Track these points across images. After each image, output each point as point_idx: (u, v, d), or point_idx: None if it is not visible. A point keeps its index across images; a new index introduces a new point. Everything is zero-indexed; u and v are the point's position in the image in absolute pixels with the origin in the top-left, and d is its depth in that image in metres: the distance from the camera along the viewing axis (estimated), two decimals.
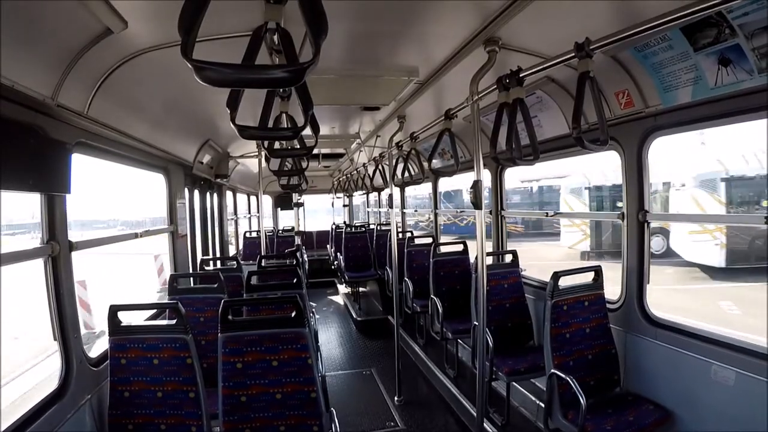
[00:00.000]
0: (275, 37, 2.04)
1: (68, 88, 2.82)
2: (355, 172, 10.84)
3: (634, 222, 3.87)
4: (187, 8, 1.29)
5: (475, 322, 4.75)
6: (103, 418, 3.22)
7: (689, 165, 14.14)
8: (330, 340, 8.91)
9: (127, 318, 3.22)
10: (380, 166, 7.65)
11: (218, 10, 2.55)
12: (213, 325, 3.74)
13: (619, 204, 4.17)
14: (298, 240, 9.00)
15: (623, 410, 3.58)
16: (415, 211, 14.21)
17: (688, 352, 3.38)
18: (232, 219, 10.34)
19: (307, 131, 2.64)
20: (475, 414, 3.91)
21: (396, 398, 5.89)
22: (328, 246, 14.08)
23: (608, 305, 4.08)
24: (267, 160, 5.72)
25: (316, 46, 1.31)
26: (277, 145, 4.25)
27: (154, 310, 4.90)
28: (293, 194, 12.58)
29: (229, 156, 7.76)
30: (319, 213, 19.02)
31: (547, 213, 5.52)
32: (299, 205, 9.82)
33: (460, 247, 6.82)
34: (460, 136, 6.02)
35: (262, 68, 1.47)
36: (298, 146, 3.56)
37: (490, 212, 6.08)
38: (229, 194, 9.57)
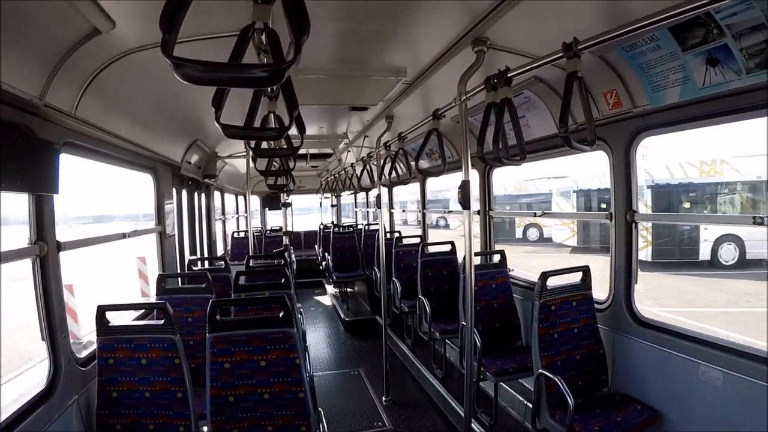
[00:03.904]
0: (263, 37, 2.02)
1: (56, 88, 2.78)
2: (343, 172, 10.82)
3: (621, 222, 3.88)
4: (169, 5, 1.27)
5: (463, 323, 4.76)
6: (91, 418, 3.22)
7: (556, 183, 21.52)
8: (318, 340, 8.89)
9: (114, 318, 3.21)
10: (368, 167, 7.63)
11: (207, 10, 2.54)
12: (201, 325, 3.73)
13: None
14: (286, 240, 8.97)
15: (611, 410, 3.59)
16: (403, 210, 14.23)
17: (676, 353, 3.40)
18: (220, 219, 10.27)
19: (294, 131, 2.62)
20: (462, 414, 3.91)
21: (384, 398, 5.88)
22: (316, 246, 14.06)
23: (596, 305, 4.09)
24: (254, 160, 5.67)
25: (297, 46, 1.30)
26: (264, 144, 4.22)
27: (142, 310, 4.86)
28: (281, 194, 12.59)
29: (217, 156, 7.70)
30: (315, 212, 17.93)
31: (535, 213, 5.53)
32: (287, 205, 9.79)
33: (448, 248, 6.83)
34: (449, 137, 6.01)
35: (242, 67, 1.45)
36: (285, 146, 3.54)
37: (478, 212, 6.09)
38: (217, 194, 9.50)
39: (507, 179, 23.77)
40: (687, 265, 14.80)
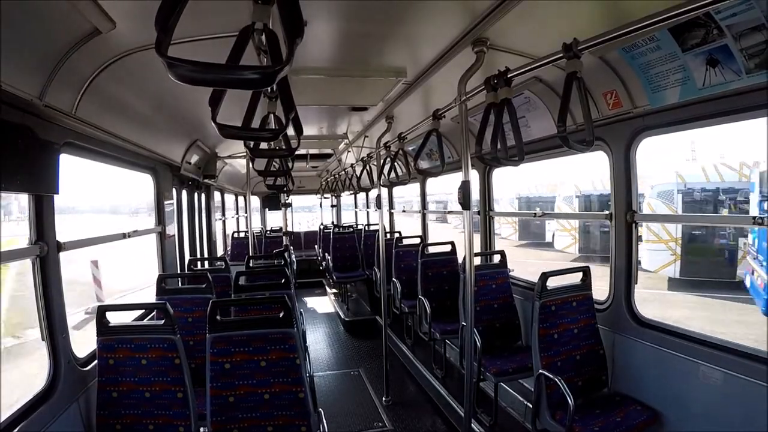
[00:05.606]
0: (263, 38, 2.02)
1: (56, 88, 2.78)
2: (343, 172, 10.82)
3: (622, 223, 3.87)
4: (165, 5, 1.28)
5: (463, 323, 4.75)
6: (91, 418, 3.22)
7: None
8: (318, 340, 8.89)
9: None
10: (368, 167, 7.63)
11: (208, 11, 2.53)
12: (201, 326, 3.74)
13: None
14: (286, 240, 8.97)
15: (611, 411, 3.58)
16: (404, 210, 14.22)
17: (676, 353, 3.39)
18: (220, 219, 10.27)
19: (292, 132, 2.62)
20: (462, 414, 3.91)
21: (384, 398, 5.88)
22: (316, 246, 14.05)
23: (596, 305, 4.08)
24: (253, 160, 5.65)
25: (290, 49, 1.30)
26: (264, 145, 4.22)
27: (143, 311, 4.86)
28: (281, 194, 12.60)
29: (216, 156, 7.68)
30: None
31: (535, 213, 5.53)
32: (287, 205, 9.80)
33: (448, 248, 6.83)
34: (448, 137, 6.01)
35: (234, 68, 1.45)
36: (284, 147, 3.54)
37: (478, 212, 6.09)
38: (217, 194, 9.50)
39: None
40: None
